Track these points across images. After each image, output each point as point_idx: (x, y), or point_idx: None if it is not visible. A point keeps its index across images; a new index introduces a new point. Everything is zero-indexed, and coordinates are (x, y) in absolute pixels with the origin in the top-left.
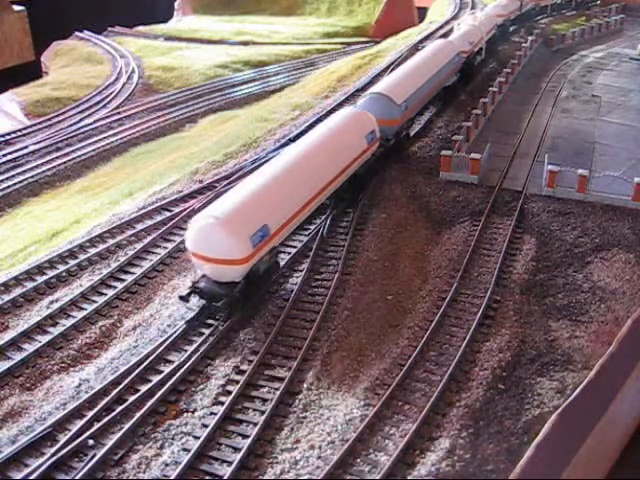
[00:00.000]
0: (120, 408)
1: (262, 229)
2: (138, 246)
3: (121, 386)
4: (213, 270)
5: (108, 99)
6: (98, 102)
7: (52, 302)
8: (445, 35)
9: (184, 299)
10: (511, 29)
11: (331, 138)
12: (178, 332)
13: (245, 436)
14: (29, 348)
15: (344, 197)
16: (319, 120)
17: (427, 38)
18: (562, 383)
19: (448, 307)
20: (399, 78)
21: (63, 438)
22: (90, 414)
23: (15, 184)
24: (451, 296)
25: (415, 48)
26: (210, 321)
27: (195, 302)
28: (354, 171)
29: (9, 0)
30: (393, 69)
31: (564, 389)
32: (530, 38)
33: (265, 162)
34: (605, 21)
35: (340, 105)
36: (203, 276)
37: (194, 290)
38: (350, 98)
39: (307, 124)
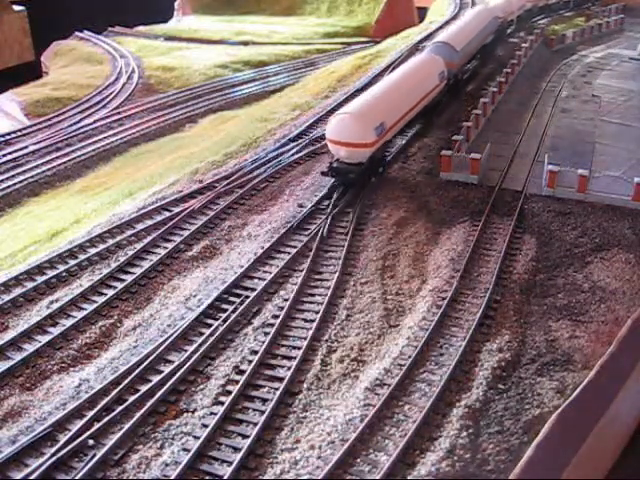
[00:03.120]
0: (120, 408)
1: (381, 125)
2: (138, 246)
3: (121, 386)
4: (347, 152)
5: (108, 99)
6: (98, 102)
7: (52, 302)
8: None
9: (325, 174)
10: (536, 18)
11: (418, 70)
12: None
13: (245, 436)
14: (29, 348)
15: (421, 120)
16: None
17: (427, 38)
18: (562, 383)
19: (448, 307)
20: (455, 31)
21: (63, 438)
22: (90, 414)
23: (15, 184)
24: (451, 296)
25: (415, 48)
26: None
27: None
28: (430, 100)
29: (9, 0)
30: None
31: (564, 389)
32: (530, 38)
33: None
34: (605, 21)
35: (340, 105)
36: (336, 160)
37: (331, 169)
38: (350, 98)
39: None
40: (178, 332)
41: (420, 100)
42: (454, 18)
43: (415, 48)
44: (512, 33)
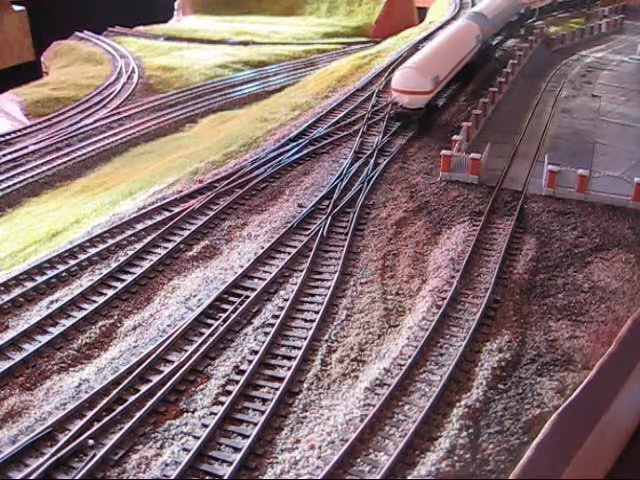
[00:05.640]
0: (120, 408)
1: (435, 77)
2: (138, 246)
3: (121, 386)
4: (409, 99)
5: (108, 99)
6: (98, 102)
7: (52, 302)
8: None
9: (392, 118)
10: (554, 13)
11: (460, 33)
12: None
13: (245, 436)
14: (29, 348)
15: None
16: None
17: (427, 38)
18: (562, 383)
19: (448, 307)
20: (486, 4)
21: (63, 438)
22: (90, 414)
23: (15, 184)
24: (451, 296)
25: (415, 48)
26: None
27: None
28: (469, 59)
29: (9, 0)
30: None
31: (564, 389)
32: (530, 38)
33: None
34: (605, 21)
35: (340, 105)
36: (400, 107)
37: (396, 114)
38: (350, 98)
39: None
40: (178, 332)
41: (463, 57)
42: (454, 18)
43: (415, 48)
44: (533, 22)
